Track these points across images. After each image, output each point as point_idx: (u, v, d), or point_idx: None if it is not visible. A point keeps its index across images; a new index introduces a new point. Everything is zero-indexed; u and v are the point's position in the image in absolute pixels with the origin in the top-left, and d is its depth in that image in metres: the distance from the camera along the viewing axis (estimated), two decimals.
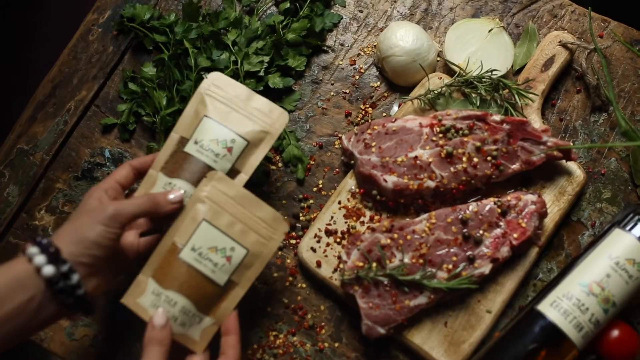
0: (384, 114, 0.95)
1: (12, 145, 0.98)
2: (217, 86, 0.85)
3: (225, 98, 0.84)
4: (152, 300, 0.76)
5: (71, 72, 1.00)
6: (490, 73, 0.89)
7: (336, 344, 0.87)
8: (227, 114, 0.84)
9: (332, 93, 0.97)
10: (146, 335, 0.73)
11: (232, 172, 0.83)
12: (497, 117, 0.86)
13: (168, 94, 0.94)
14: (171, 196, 0.78)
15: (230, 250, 0.77)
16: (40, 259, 0.68)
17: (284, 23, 0.96)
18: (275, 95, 0.95)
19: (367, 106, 0.95)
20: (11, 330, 0.67)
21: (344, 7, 1.00)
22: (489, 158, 0.85)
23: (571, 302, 0.78)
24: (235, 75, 0.93)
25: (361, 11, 1.00)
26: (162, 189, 0.81)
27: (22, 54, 1.71)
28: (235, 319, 0.77)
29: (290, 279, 0.90)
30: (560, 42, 0.92)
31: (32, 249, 0.69)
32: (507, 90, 0.90)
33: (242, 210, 0.79)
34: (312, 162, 0.94)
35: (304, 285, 0.90)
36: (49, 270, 0.68)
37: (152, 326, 0.73)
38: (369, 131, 0.89)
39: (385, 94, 0.96)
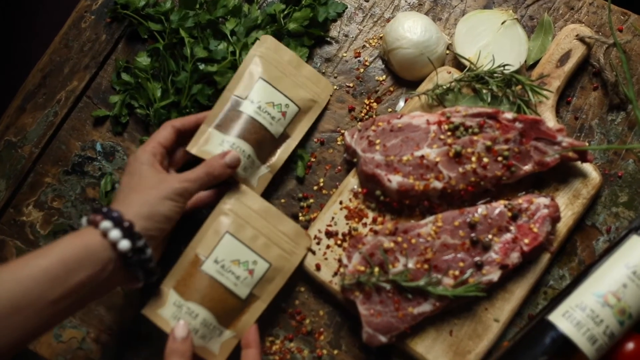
0: (390, 110, 0.90)
1: (0, 137, 0.94)
2: (269, 49, 0.86)
3: (277, 62, 0.86)
4: (173, 312, 0.76)
5: (62, 61, 0.96)
6: (502, 68, 0.84)
7: (335, 351, 0.83)
8: (280, 78, 0.85)
9: (335, 87, 0.92)
10: (167, 347, 0.73)
11: (283, 137, 0.86)
12: (509, 115, 0.81)
13: (163, 85, 0.90)
14: (227, 159, 0.78)
15: (252, 263, 0.78)
16: (115, 233, 0.68)
17: (286, 12, 0.91)
18: None
19: (372, 101, 0.91)
20: (80, 297, 0.67)
21: None
22: (499, 158, 0.80)
23: (585, 313, 0.73)
24: (233, 67, 0.88)
25: (367, 0, 0.95)
26: (218, 146, 0.81)
27: (12, 41, 1.66)
28: (256, 332, 0.78)
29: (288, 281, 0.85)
30: (577, 35, 0.87)
31: (106, 223, 0.68)
32: (519, 87, 0.85)
33: (265, 224, 0.80)
34: (312, 160, 0.89)
35: (302, 289, 0.85)
36: (125, 245, 0.68)
37: (174, 338, 0.74)
38: (373, 128, 0.84)
39: (391, 89, 0.91)
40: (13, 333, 0.63)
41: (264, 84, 0.84)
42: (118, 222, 0.69)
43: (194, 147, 0.82)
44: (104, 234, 0.68)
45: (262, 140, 0.83)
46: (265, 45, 0.86)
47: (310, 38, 0.92)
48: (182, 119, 0.83)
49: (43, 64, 0.96)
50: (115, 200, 0.74)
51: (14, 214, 0.91)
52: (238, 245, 0.78)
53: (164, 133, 0.80)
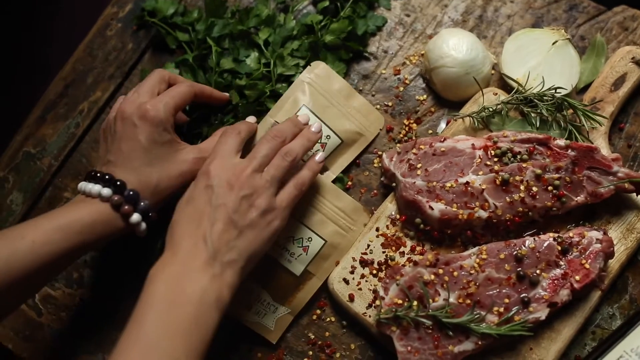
0: (430, 132, 0.85)
1: (18, 147, 0.89)
2: (319, 76, 0.83)
3: (326, 91, 0.83)
4: None
5: (86, 70, 0.91)
6: (553, 91, 0.79)
7: None
8: (326, 107, 0.82)
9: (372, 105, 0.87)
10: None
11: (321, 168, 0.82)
12: (561, 142, 0.76)
13: None
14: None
15: (307, 240, 0.78)
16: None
17: (323, 23, 0.87)
18: None
19: (412, 121, 0.85)
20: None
21: (389, 9, 0.90)
22: (550, 188, 0.75)
23: None
24: (266, 78, 0.84)
25: (408, 15, 0.90)
26: None
27: (35, 48, 1.62)
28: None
29: (318, 311, 0.80)
30: (633, 58, 0.82)
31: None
32: (570, 111, 0.80)
33: (321, 200, 0.79)
34: (349, 182, 0.84)
35: (333, 320, 0.80)
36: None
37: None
38: (414, 150, 0.79)
39: (432, 109, 0.86)
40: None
41: (306, 112, 0.81)
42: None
43: None
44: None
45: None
46: (316, 72, 0.83)
47: (348, 52, 0.87)
48: (202, 86, 0.79)
49: (66, 73, 0.92)
50: (125, 164, 0.70)
51: None
52: (293, 221, 0.77)
53: (187, 96, 0.75)
